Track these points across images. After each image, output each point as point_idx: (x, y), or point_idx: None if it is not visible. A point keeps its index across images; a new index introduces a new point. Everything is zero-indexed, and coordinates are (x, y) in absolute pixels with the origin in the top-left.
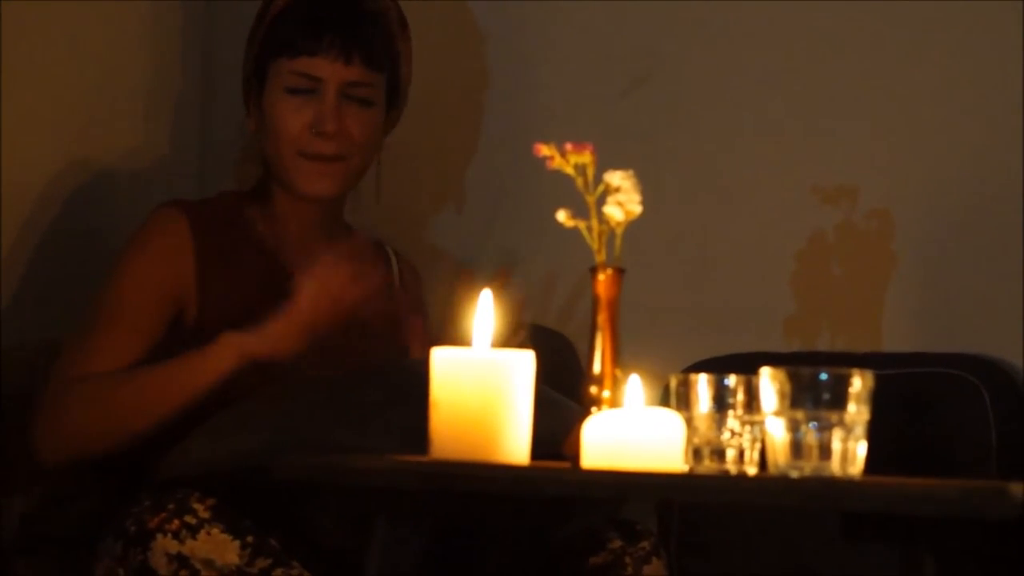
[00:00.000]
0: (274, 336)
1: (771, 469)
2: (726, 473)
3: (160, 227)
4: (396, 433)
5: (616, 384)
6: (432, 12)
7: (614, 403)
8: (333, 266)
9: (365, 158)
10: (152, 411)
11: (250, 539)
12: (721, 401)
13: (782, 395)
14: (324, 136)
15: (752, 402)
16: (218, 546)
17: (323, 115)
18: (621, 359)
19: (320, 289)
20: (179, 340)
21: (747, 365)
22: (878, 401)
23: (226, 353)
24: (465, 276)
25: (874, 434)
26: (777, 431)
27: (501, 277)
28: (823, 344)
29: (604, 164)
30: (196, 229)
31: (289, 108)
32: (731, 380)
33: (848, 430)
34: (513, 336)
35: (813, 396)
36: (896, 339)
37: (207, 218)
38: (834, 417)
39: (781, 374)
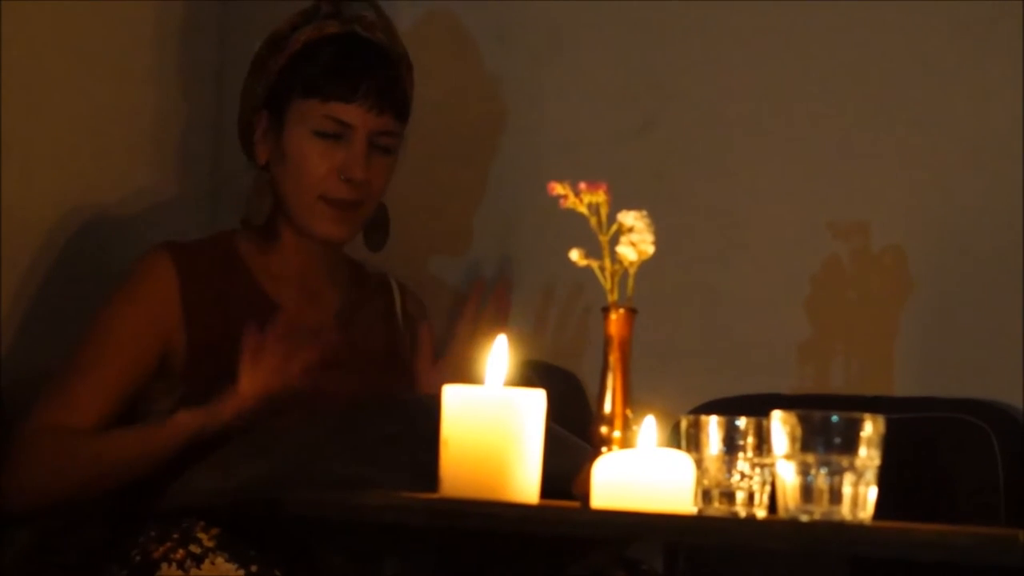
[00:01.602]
0: (221, 415)
1: (781, 512)
2: (735, 515)
3: (145, 274)
4: (406, 469)
5: (626, 424)
6: (445, 52)
7: (624, 443)
8: (265, 352)
9: (374, 205)
10: (105, 476)
11: (254, 569)
12: (731, 443)
13: (793, 438)
14: (350, 183)
15: (762, 444)
16: (222, 575)
17: (352, 162)
18: (632, 399)
19: (257, 375)
20: (166, 384)
21: (758, 406)
22: (887, 445)
23: (178, 431)
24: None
25: (882, 478)
26: (787, 474)
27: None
28: (837, 369)
29: (617, 203)
30: (183, 272)
31: (316, 151)
32: (742, 422)
33: (859, 475)
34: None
35: (824, 440)
36: (906, 374)
37: (197, 260)
38: (845, 461)
39: (792, 417)
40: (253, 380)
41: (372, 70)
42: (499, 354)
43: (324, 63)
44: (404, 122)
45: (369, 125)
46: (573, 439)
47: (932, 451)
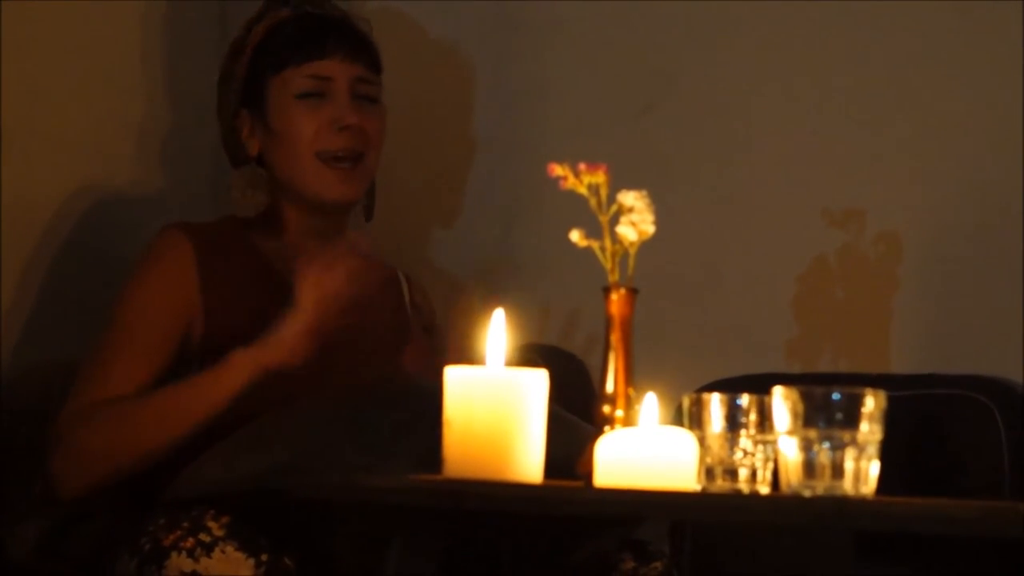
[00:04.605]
0: (282, 344)
1: (784, 488)
2: (739, 492)
3: (163, 250)
4: (412, 457)
5: (629, 403)
6: (447, 34)
7: (627, 422)
8: (329, 266)
9: (377, 157)
10: (169, 433)
11: (264, 557)
12: (734, 421)
13: (795, 414)
14: (345, 130)
15: (765, 422)
16: (232, 564)
17: (340, 110)
18: (634, 379)
19: (319, 290)
20: (187, 360)
21: (760, 385)
22: (890, 423)
23: (237, 370)
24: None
25: (886, 456)
26: (790, 450)
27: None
28: (838, 349)
29: (617, 184)
30: (199, 250)
31: (303, 112)
32: (744, 400)
33: (861, 449)
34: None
35: (826, 415)
36: (902, 362)
37: (210, 238)
38: (847, 436)
39: (794, 393)
40: (315, 293)
41: (336, 27)
42: (497, 330)
43: (287, 37)
44: (379, 73)
45: (348, 73)
46: (575, 420)
47: (936, 428)
